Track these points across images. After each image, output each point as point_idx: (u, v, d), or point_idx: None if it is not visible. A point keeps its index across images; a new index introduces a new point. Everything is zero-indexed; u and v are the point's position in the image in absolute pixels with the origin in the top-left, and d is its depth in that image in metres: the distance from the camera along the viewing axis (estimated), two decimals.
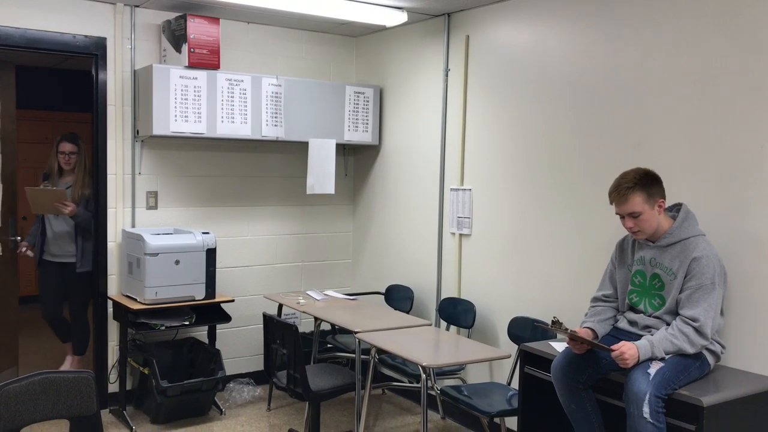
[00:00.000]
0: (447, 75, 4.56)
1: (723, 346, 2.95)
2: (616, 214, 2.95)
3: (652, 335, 2.83)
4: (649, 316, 2.97)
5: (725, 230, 3.06)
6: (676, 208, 2.98)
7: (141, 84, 4.44)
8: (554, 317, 3.02)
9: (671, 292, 2.89)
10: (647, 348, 2.76)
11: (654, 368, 2.72)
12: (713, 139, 3.13)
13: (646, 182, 2.89)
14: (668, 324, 2.87)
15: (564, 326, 2.94)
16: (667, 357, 2.77)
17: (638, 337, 2.88)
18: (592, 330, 3.05)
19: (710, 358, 2.87)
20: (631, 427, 2.69)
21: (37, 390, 2.25)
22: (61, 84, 7.50)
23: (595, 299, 3.19)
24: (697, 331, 2.77)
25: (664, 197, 2.93)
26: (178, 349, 4.65)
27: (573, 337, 2.93)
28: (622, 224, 2.96)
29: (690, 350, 2.77)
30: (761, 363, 2.96)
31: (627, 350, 2.75)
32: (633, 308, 3.06)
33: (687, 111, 3.23)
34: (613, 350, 2.77)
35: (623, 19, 3.50)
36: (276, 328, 3.87)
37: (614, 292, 3.15)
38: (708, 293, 2.79)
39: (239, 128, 4.55)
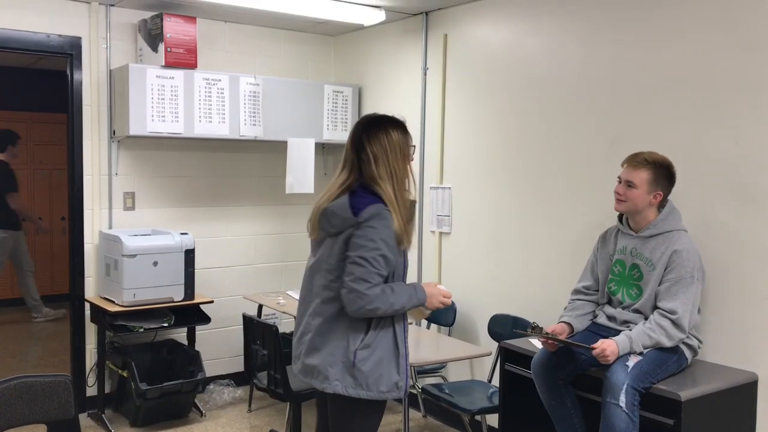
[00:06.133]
0: (425, 73, 4.56)
1: (700, 341, 2.98)
2: (618, 177, 2.99)
3: (630, 330, 2.86)
4: (626, 307, 3.00)
5: (700, 225, 3.10)
6: (663, 203, 3.02)
7: (117, 84, 4.39)
8: (534, 323, 3.05)
9: (649, 283, 2.92)
10: (626, 343, 2.78)
11: (632, 361, 2.75)
12: (688, 136, 3.16)
13: (662, 172, 2.93)
14: (647, 318, 2.90)
15: (544, 331, 2.97)
16: (645, 351, 2.80)
17: (617, 332, 2.91)
18: (569, 324, 3.08)
19: (687, 353, 2.90)
20: (605, 415, 2.71)
21: (12, 395, 2.21)
22: (36, 84, 7.40)
23: (576, 291, 3.22)
24: (675, 323, 2.80)
25: (663, 194, 2.95)
26: (157, 351, 4.61)
27: (551, 339, 2.96)
28: (615, 188, 2.99)
29: (667, 343, 2.80)
30: (737, 357, 3.00)
31: (607, 347, 2.77)
32: (611, 298, 3.09)
33: (662, 108, 3.26)
34: (594, 348, 2.79)
35: (599, 17, 3.53)
36: (256, 329, 3.86)
37: (595, 284, 3.18)
38: (687, 286, 2.83)
39: (217, 128, 4.52)
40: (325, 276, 2.51)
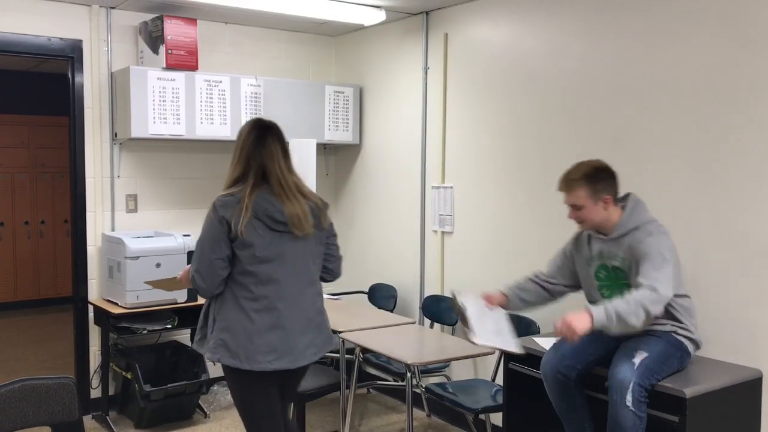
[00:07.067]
0: (426, 73, 4.56)
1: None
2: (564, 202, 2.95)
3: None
4: None
5: (701, 223, 3.10)
6: (625, 198, 2.94)
7: (118, 86, 4.40)
8: (452, 291, 3.12)
9: (633, 279, 2.82)
10: (600, 312, 2.63)
11: (639, 358, 2.73)
12: (689, 133, 3.16)
13: (595, 178, 2.86)
14: None
15: (459, 300, 3.03)
16: (644, 345, 2.74)
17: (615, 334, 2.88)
18: (505, 295, 3.12)
19: (690, 347, 2.89)
20: (612, 414, 2.70)
21: (17, 397, 2.21)
22: (38, 87, 7.42)
23: (535, 274, 3.21)
24: (651, 288, 2.65)
25: (612, 194, 2.89)
26: (160, 352, 4.61)
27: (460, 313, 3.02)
28: (568, 215, 2.95)
29: (649, 307, 2.63)
30: (742, 354, 2.99)
31: (569, 318, 2.61)
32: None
33: (663, 105, 3.26)
34: (556, 327, 2.66)
35: (599, 16, 3.53)
36: None
37: (555, 276, 3.15)
38: (654, 261, 2.70)
39: (218, 129, 4.53)
40: (317, 263, 2.86)
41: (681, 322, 2.87)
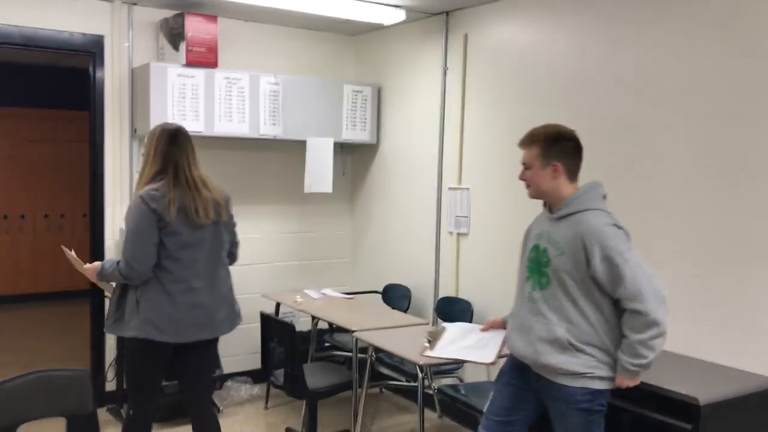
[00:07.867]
0: (445, 74, 4.56)
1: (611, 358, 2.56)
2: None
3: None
4: (534, 301, 2.68)
5: (721, 229, 3.06)
6: (574, 178, 2.71)
7: (138, 82, 4.43)
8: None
9: (557, 268, 2.58)
10: (621, 370, 2.52)
11: None
12: (711, 139, 3.13)
13: (553, 140, 2.65)
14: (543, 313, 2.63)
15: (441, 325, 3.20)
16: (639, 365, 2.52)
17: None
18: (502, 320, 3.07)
19: (604, 385, 2.56)
20: None
21: (32, 388, 2.24)
22: (59, 82, 7.49)
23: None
24: (639, 307, 2.44)
25: (566, 165, 2.65)
26: None
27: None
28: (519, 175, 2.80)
29: (652, 330, 2.44)
30: (757, 362, 2.96)
31: (622, 384, 2.54)
32: (522, 289, 2.80)
33: (685, 111, 3.23)
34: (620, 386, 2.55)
35: (621, 19, 3.50)
36: (273, 327, 3.88)
37: None
38: (625, 265, 2.46)
39: (237, 127, 4.55)
40: (226, 248, 3.22)
41: (591, 356, 2.55)
